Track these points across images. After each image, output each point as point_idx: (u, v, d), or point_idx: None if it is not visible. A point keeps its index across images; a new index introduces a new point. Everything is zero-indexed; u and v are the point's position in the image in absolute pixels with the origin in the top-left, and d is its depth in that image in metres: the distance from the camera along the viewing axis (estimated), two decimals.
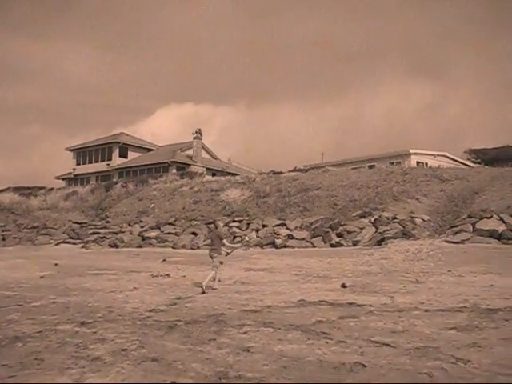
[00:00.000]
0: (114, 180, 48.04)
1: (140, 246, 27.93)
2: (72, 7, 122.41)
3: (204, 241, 27.16)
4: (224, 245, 12.50)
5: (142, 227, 30.96)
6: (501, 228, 21.29)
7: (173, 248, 26.94)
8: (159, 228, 30.23)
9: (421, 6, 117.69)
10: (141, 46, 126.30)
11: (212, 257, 12.23)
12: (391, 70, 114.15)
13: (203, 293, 11.43)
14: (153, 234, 29.41)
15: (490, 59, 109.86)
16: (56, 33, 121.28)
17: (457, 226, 22.42)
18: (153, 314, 9.00)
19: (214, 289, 12.02)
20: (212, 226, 13.50)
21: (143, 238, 29.16)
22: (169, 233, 29.16)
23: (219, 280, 12.75)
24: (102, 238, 30.59)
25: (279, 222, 27.05)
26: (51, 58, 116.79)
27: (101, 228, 32.77)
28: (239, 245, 15.64)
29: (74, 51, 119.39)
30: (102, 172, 54.29)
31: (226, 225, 28.30)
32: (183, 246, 26.80)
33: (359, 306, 9.39)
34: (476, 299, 9.65)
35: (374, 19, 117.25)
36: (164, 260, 20.21)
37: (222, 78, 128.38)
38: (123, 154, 54.70)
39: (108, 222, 33.87)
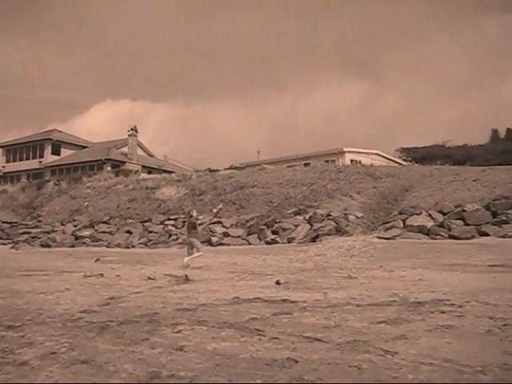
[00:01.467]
0: (47, 178, 46.66)
1: (73, 246, 27.32)
2: None
3: (139, 239, 26.85)
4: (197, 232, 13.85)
5: (75, 226, 30.25)
6: (429, 224, 22.09)
7: (107, 247, 26.49)
8: (93, 227, 29.63)
9: (355, 5, 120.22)
10: (77, 40, 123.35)
11: (191, 242, 13.66)
12: (326, 69, 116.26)
13: (187, 278, 12.96)
14: (86, 233, 28.81)
15: (421, 59, 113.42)
16: None
17: (388, 222, 23.09)
18: (85, 315, 8.81)
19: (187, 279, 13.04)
20: (187, 215, 14.68)
21: (76, 238, 28.53)
22: (103, 232, 28.64)
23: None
24: (33, 237, 29.70)
25: (215, 219, 26.95)
26: None
27: (32, 227, 31.78)
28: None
29: (4, 42, 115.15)
30: (33, 170, 52.65)
31: (162, 223, 28.08)
32: (118, 245, 26.41)
33: (293, 302, 9.51)
34: (405, 293, 9.96)
35: (309, 18, 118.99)
36: (98, 259, 19.82)
37: (159, 74, 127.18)
38: (56, 152, 53.26)
39: (40, 221, 32.89)
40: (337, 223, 23.74)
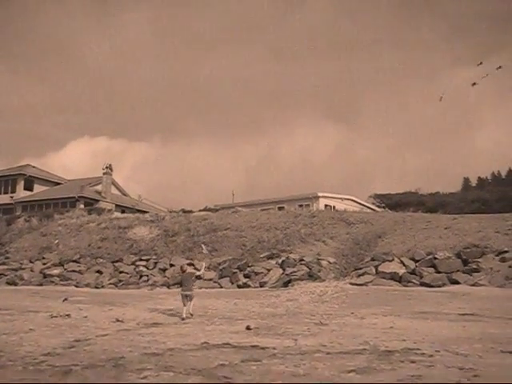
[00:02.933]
0: (17, 214, 45.88)
1: (41, 284, 26.71)
2: None
3: (109, 280, 26.40)
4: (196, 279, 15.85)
5: (44, 264, 29.64)
6: (401, 271, 22.22)
7: (76, 287, 25.97)
8: (63, 265, 29.06)
9: (334, 53, 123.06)
10: (57, 75, 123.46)
11: (187, 295, 14.30)
12: (305, 113, 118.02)
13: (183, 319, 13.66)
14: (55, 271, 28.24)
15: (396, 107, 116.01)
16: None
17: (361, 268, 23.15)
18: (48, 358, 8.54)
19: (183, 318, 13.75)
20: (180, 270, 16.05)
21: (45, 276, 27.93)
22: (72, 270, 28.11)
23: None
24: None
25: (187, 261, 26.75)
26: None
27: None
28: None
29: None
30: (4, 205, 51.75)
31: (133, 263, 27.72)
32: (87, 285, 25.92)
33: (262, 348, 9.37)
34: (376, 341, 9.90)
35: (290, 63, 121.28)
36: (65, 299, 19.38)
37: (137, 113, 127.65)
38: (29, 187, 52.56)
39: (8, 257, 32.16)
40: (309, 268, 23.71)
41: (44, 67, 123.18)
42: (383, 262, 23.06)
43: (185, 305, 14.24)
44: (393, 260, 23.02)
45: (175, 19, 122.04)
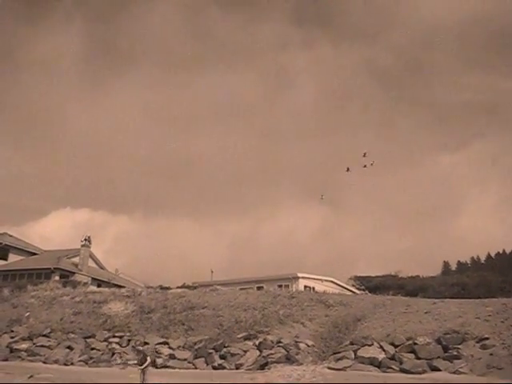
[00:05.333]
0: None
1: (6, 359, 25.60)
2: None
3: (79, 356, 25.46)
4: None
5: (12, 338, 28.49)
6: (381, 356, 21.76)
7: (44, 363, 24.98)
8: (32, 339, 27.96)
9: (319, 134, 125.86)
10: (41, 146, 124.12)
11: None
12: (290, 193, 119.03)
13: None
14: (23, 345, 27.16)
15: (379, 189, 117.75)
16: None
17: (339, 352, 22.63)
18: None
19: None
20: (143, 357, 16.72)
21: (12, 350, 26.83)
22: (42, 345, 27.06)
23: None
24: None
25: (162, 340, 25.99)
26: None
27: None
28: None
29: None
30: None
31: (106, 340, 26.82)
32: (56, 361, 24.96)
33: None
34: None
35: (277, 142, 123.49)
36: (31, 376, 18.58)
37: (120, 186, 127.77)
38: (3, 256, 51.43)
39: None
40: (287, 351, 23.12)
41: (30, 139, 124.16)
42: (362, 346, 22.57)
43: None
44: (372, 344, 22.55)
45: (163, 97, 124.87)
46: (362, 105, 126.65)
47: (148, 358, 15.11)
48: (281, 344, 23.88)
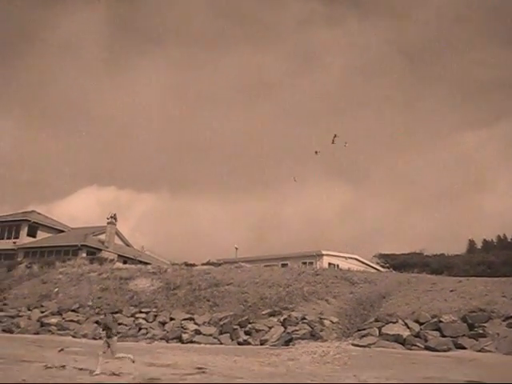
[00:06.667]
0: (19, 260, 45.63)
1: (37, 333, 26.26)
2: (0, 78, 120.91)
3: None
4: None
5: (42, 312, 29.23)
6: (405, 333, 21.73)
7: (73, 337, 25.53)
8: (61, 314, 28.64)
9: (344, 114, 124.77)
10: (68, 125, 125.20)
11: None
12: (314, 171, 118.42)
13: None
14: (53, 320, 27.81)
15: (404, 168, 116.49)
16: None
17: (364, 329, 22.67)
18: None
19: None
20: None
21: (42, 325, 27.50)
22: (71, 320, 27.68)
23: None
24: None
25: (187, 316, 26.36)
26: None
27: None
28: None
29: None
30: (6, 250, 51.50)
31: (132, 315, 27.29)
32: (84, 336, 25.49)
33: None
34: None
35: (301, 120, 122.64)
36: (62, 350, 19.00)
37: (146, 165, 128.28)
38: (32, 233, 52.42)
39: (5, 304, 31.75)
40: (311, 327, 23.25)
41: (56, 118, 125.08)
42: (387, 323, 22.58)
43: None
44: (397, 322, 22.54)
45: (187, 76, 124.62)
46: (388, 82, 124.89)
47: (113, 330, 14.32)
48: (305, 320, 24.01)
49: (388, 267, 53.25)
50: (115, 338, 13.90)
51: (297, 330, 22.99)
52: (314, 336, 22.35)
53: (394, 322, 22.49)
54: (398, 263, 54.79)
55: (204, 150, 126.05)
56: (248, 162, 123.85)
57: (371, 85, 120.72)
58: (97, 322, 25.98)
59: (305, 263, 41.95)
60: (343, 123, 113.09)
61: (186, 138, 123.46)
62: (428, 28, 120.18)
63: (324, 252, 45.56)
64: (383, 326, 22.42)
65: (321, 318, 24.26)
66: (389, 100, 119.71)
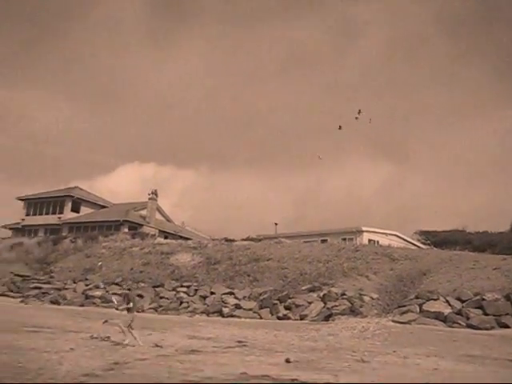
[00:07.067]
0: (64, 234, 46.83)
1: (82, 305, 26.99)
2: (43, 57, 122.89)
3: (149, 304, 26.50)
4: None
5: (86, 285, 30.04)
6: (446, 311, 21.50)
7: (116, 309, 26.08)
8: (105, 287, 29.36)
9: (386, 88, 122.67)
10: (109, 103, 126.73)
11: None
12: (355, 147, 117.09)
13: None
14: (97, 293, 28.54)
15: (448, 144, 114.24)
16: (24, 81, 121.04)
17: (404, 306, 22.53)
18: (87, 379, 8.54)
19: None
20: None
21: (87, 297, 28.26)
22: (114, 293, 28.30)
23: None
24: (43, 293, 29.54)
25: (228, 290, 26.69)
26: (16, 104, 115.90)
27: (44, 283, 31.63)
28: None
29: (41, 101, 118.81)
30: (51, 225, 52.86)
31: (174, 289, 27.75)
32: None
33: (302, 383, 9.14)
34: (421, 382, 9.53)
35: (344, 96, 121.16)
36: (106, 321, 19.47)
37: (186, 141, 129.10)
38: (75, 209, 53.59)
39: (52, 277, 32.76)
40: (351, 303, 23.25)
41: (98, 95, 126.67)
42: (428, 300, 22.37)
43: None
44: (438, 299, 22.31)
45: (228, 51, 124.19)
46: (432, 55, 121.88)
47: (131, 304, 14.29)
48: (345, 296, 24.03)
49: (429, 244, 52.54)
50: (135, 313, 14.14)
51: (336, 306, 23.03)
52: (353, 312, 22.34)
53: (435, 299, 22.27)
54: (439, 240, 53.99)
55: (244, 125, 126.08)
56: (288, 138, 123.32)
57: (414, 58, 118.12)
58: (120, 295, 26.56)
59: (344, 239, 41.81)
60: (385, 98, 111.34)
61: (226, 114, 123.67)
62: (472, 0, 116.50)
63: (364, 228, 45.29)
64: (424, 302, 22.22)
65: (361, 294, 24.22)
66: (432, 74, 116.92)
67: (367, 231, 45.36)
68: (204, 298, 26.59)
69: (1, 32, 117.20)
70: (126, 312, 14.10)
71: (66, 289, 29.94)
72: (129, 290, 15.44)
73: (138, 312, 25.10)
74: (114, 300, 15.15)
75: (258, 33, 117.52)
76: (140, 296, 27.59)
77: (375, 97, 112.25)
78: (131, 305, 14.04)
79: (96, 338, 14.26)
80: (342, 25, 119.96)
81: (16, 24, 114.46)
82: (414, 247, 42.62)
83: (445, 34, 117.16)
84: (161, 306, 26.17)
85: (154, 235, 43.70)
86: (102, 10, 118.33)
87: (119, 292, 28.34)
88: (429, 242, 54.42)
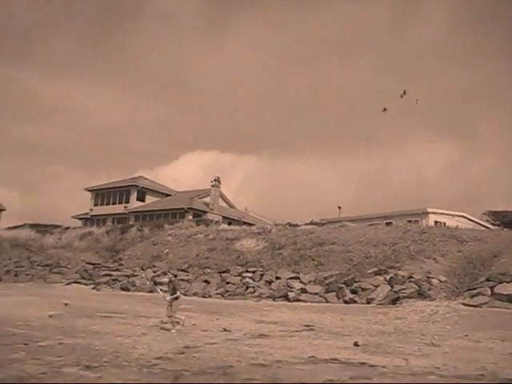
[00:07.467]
0: (130, 223, 48.10)
1: (151, 291, 27.66)
2: (100, 50, 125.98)
3: (216, 290, 26.89)
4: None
5: (154, 272, 30.78)
6: None
7: (184, 295, 26.54)
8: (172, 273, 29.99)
9: (448, 64, 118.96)
10: (169, 92, 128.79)
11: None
12: (419, 127, 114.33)
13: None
14: (165, 279, 29.13)
15: None
16: (84, 75, 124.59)
17: (474, 288, 21.95)
18: (160, 362, 8.78)
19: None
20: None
21: (155, 283, 28.94)
22: (181, 279, 28.87)
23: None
24: (114, 280, 30.46)
25: (293, 274, 26.74)
26: (79, 99, 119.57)
27: (113, 270, 32.64)
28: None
29: (102, 93, 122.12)
30: (118, 214, 54.44)
31: (239, 275, 28.03)
32: (195, 294, 26.52)
33: (372, 366, 9.08)
34: (494, 367, 9.29)
35: (404, 75, 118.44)
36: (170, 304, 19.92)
37: (247, 127, 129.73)
38: (141, 198, 54.95)
39: (121, 264, 33.74)
40: (419, 286, 22.85)
41: (159, 86, 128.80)
42: (500, 283, 21.68)
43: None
44: (511, 281, 21.60)
45: (287, 34, 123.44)
46: (496, 31, 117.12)
47: (177, 293, 14.21)
48: (412, 279, 23.62)
49: (498, 225, 50.89)
50: (178, 300, 14.17)
51: (404, 289, 22.69)
52: (421, 295, 21.96)
53: (508, 282, 21.56)
54: (509, 221, 52.20)
55: (305, 109, 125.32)
56: (351, 120, 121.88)
57: (477, 36, 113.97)
58: (158, 283, 27.18)
59: (410, 221, 41.00)
60: (447, 77, 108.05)
61: (286, 99, 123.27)
62: None
63: (430, 210, 44.36)
64: (495, 285, 21.57)
65: (428, 277, 23.77)
66: (497, 50, 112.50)
67: (433, 213, 44.41)
68: (269, 282, 26.75)
69: (64, 30, 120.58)
70: (169, 299, 14.08)
71: (135, 276, 30.77)
72: (175, 276, 15.53)
73: (204, 297, 25.73)
74: (159, 291, 15.25)
75: (314, 14, 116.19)
76: (206, 282, 28.10)
77: (439, 75, 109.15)
78: (177, 293, 14.15)
79: (166, 322, 14.61)
80: (402, 1, 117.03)
81: (76, 21, 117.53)
82: (482, 228, 41.35)
83: (510, 7, 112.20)
84: (227, 292, 26.53)
85: (218, 222, 44.23)
86: (158, 3, 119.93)
87: (186, 278, 28.94)
88: (498, 222, 52.68)
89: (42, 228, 44.93)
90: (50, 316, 15.61)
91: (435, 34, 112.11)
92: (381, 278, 24.61)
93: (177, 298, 14.03)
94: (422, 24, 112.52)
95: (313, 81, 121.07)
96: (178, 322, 13.80)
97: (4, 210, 64.86)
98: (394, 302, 21.74)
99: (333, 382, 7.69)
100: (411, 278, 23.84)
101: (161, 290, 17.05)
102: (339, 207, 53.43)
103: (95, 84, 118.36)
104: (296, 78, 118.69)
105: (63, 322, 14.23)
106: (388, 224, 38.41)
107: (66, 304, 19.38)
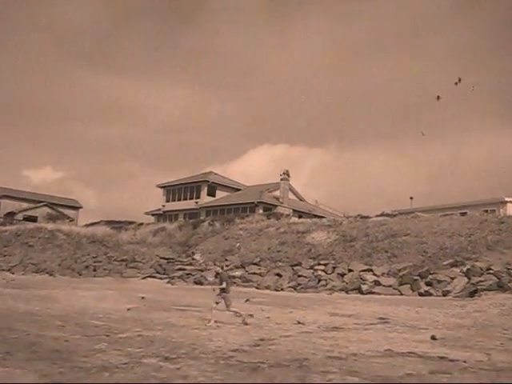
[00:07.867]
0: (202, 218, 48.83)
1: None
2: (169, 48, 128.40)
3: (288, 283, 26.93)
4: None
5: (226, 266, 31.14)
6: None
7: (257, 288, 26.85)
8: (244, 267, 30.30)
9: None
10: (237, 88, 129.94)
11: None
12: (491, 116, 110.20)
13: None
14: (237, 273, 29.53)
15: None
16: (154, 73, 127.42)
17: None
18: (236, 354, 8.88)
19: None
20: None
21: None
22: (253, 273, 29.15)
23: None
24: (187, 274, 31.07)
25: (366, 267, 26.42)
26: (150, 97, 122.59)
27: (187, 264, 33.30)
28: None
29: (172, 91, 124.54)
30: (190, 210, 55.43)
31: (311, 268, 27.95)
32: (267, 287, 26.68)
33: (451, 361, 8.82)
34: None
35: (470, 63, 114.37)
36: (247, 300, 20.13)
37: (314, 120, 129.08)
38: (211, 193, 55.70)
39: (194, 259, 34.37)
40: (498, 278, 22.02)
41: (227, 82, 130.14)
42: None
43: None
44: None
45: (347, 28, 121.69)
46: None
47: (224, 284, 13.83)
48: (491, 271, 22.81)
49: None
50: (230, 293, 13.99)
51: (482, 281, 21.94)
52: (501, 287, 21.16)
53: None
54: None
55: (371, 101, 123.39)
56: (420, 110, 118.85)
57: None
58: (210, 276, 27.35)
59: (485, 211, 39.61)
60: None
61: (353, 90, 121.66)
62: None
63: (507, 199, 42.70)
64: None
65: (508, 269, 22.88)
66: None
67: (511, 202, 42.73)
68: (342, 275, 26.54)
69: (132, 31, 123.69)
70: (218, 292, 13.92)
71: (208, 270, 31.26)
72: (221, 268, 15.40)
73: (276, 291, 25.83)
74: (209, 278, 14.85)
75: (376, 4, 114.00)
76: (278, 275, 28.19)
77: (505, 61, 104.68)
78: (224, 285, 13.91)
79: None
80: None
81: (143, 22, 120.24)
82: None
83: None
84: (299, 285, 26.52)
85: (289, 215, 44.23)
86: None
87: (258, 272, 29.15)
88: None
89: (117, 224, 46.34)
90: (128, 309, 16.11)
91: (496, 19, 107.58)
92: (457, 270, 23.93)
93: (224, 290, 13.83)
94: (489, 10, 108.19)
95: (380, 71, 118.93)
96: (240, 315, 13.78)
97: (81, 207, 67.60)
98: (472, 294, 21.05)
99: (412, 376, 7.54)
100: (490, 269, 23.02)
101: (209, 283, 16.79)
102: (411, 198, 52.30)
103: (164, 82, 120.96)
104: (362, 70, 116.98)
105: (141, 315, 14.66)
106: (463, 214, 37.25)
107: (143, 298, 19.96)
